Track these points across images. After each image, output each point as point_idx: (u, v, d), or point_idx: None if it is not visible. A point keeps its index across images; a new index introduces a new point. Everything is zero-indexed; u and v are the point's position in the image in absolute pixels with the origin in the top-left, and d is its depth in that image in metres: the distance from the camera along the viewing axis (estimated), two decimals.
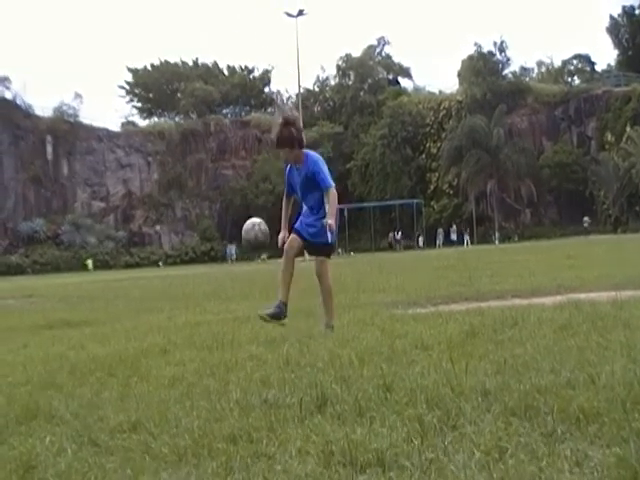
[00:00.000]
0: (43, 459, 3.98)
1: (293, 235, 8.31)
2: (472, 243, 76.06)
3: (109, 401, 5.34)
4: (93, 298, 20.94)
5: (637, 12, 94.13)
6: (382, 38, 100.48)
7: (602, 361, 4.83)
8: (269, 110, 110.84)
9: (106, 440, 4.25)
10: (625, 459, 3.03)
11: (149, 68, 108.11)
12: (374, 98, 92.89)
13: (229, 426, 4.18)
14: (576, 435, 3.45)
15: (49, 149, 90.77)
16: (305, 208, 8.41)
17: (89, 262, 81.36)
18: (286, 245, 8.28)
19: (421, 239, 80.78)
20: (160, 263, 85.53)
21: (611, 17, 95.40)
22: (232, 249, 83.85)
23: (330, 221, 8.02)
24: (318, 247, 8.35)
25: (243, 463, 3.55)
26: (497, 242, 72.87)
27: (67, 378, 6.57)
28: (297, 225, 8.38)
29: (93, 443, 4.22)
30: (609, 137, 79.72)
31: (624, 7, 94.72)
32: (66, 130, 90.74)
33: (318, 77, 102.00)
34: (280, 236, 8.43)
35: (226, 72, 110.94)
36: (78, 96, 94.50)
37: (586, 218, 74.57)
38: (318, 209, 8.26)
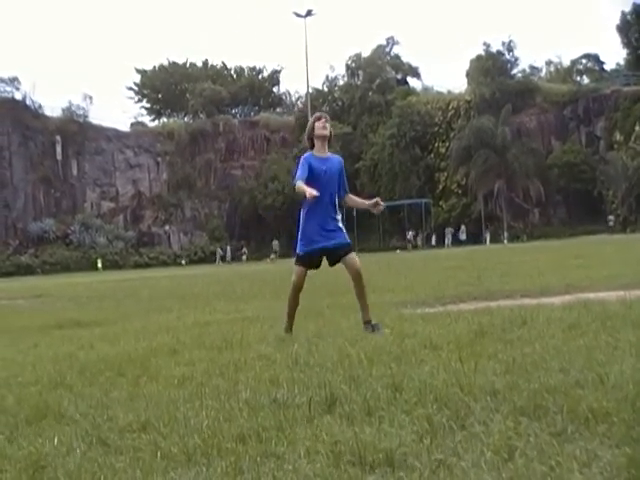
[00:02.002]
0: (53, 459, 3.99)
1: (302, 269, 8.36)
2: (491, 242, 75.75)
3: (118, 401, 5.35)
4: (102, 298, 20.99)
5: None
6: (391, 38, 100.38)
7: (611, 361, 4.82)
8: (278, 110, 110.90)
9: (115, 440, 4.26)
10: (635, 459, 3.03)
11: (157, 69, 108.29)
12: (383, 98, 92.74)
13: (238, 426, 4.19)
14: (585, 435, 3.45)
15: (58, 149, 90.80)
16: (317, 214, 8.22)
17: (99, 262, 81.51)
18: (297, 280, 8.34)
19: (433, 238, 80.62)
20: (183, 261, 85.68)
21: (623, 14, 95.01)
22: (226, 250, 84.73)
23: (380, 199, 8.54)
24: (347, 247, 8.28)
25: (252, 463, 3.56)
26: (506, 242, 72.68)
27: (77, 378, 6.58)
28: (316, 243, 8.25)
29: (102, 443, 4.24)
30: (618, 136, 79.52)
31: (634, 4, 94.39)
32: (75, 130, 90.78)
33: (327, 77, 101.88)
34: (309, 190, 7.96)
35: (234, 73, 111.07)
36: (87, 97, 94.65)
37: (611, 217, 74.23)
38: (333, 206, 8.28)
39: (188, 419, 4.49)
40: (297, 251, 8.40)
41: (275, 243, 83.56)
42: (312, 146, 8.41)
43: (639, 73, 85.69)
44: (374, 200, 8.52)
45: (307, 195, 7.82)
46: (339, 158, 8.56)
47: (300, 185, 7.98)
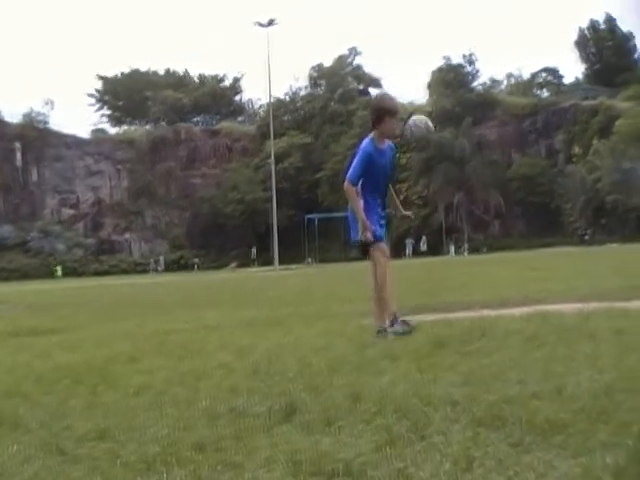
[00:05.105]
0: (9, 467, 3.95)
1: (385, 248, 7.97)
2: (448, 254, 76.03)
3: (76, 409, 5.31)
4: (61, 305, 20.80)
5: (602, 27, 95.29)
6: (353, 49, 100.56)
7: (568, 372, 4.87)
8: (239, 119, 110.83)
9: (73, 448, 4.22)
10: (591, 469, 3.06)
11: (119, 76, 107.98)
12: (344, 108, 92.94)
13: (197, 435, 4.18)
14: (543, 445, 3.48)
15: (18, 155, 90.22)
16: (372, 210, 7.87)
17: (58, 269, 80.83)
18: (385, 258, 7.93)
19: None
20: (159, 268, 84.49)
21: (580, 30, 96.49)
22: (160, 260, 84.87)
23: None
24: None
25: (211, 471, 3.55)
26: (466, 253, 73.02)
27: (33, 386, 6.52)
28: (380, 231, 7.95)
29: (60, 452, 4.20)
30: (576, 150, 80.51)
31: (591, 20, 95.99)
32: (35, 137, 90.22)
33: (291, 87, 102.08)
34: (369, 234, 7.73)
35: (197, 80, 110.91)
36: (49, 102, 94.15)
37: (589, 231, 74.58)
38: (383, 201, 8.02)
39: (147, 427, 4.47)
40: (370, 235, 7.77)
41: (253, 250, 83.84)
42: (374, 126, 7.97)
43: (597, 87, 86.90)
44: (408, 213, 8.50)
45: (363, 235, 7.65)
46: (392, 146, 8.17)
47: (355, 203, 7.72)
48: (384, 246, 7.97)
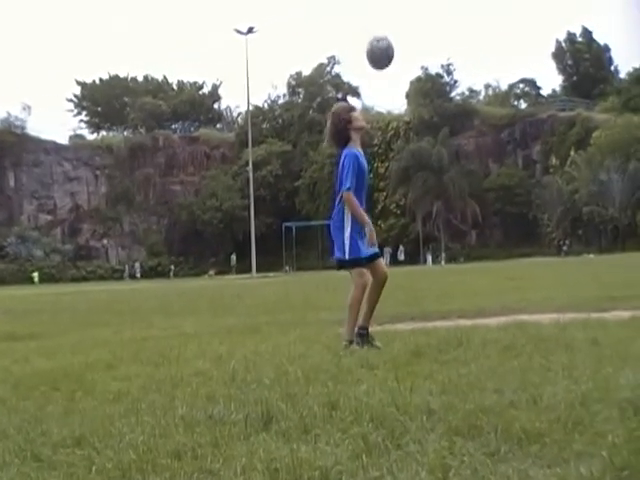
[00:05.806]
0: None
1: (365, 270, 7.69)
2: (425, 263, 76.10)
3: (53, 416, 5.29)
4: (39, 311, 20.71)
5: (579, 39, 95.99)
6: (332, 57, 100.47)
7: (544, 382, 4.89)
8: (218, 126, 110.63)
9: (49, 455, 4.21)
10: (566, 479, 3.08)
11: (98, 82, 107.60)
12: (323, 117, 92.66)
13: (174, 442, 4.17)
14: (518, 455, 3.50)
15: None
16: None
17: (35, 275, 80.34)
18: (367, 278, 7.66)
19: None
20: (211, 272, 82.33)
21: (557, 42, 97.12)
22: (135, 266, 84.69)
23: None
24: (379, 254, 7.96)
25: (188, 479, 3.55)
26: (443, 263, 73.16)
27: (11, 392, 6.50)
28: (364, 250, 7.71)
29: (36, 458, 4.18)
30: (554, 161, 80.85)
31: (568, 33, 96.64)
32: (13, 142, 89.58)
33: (269, 95, 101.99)
34: (374, 240, 7.69)
35: (176, 87, 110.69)
36: (26, 107, 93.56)
37: (567, 242, 74.82)
38: (365, 208, 7.90)
39: (123, 434, 4.45)
40: (356, 255, 7.67)
41: (233, 257, 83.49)
42: (343, 141, 7.84)
43: (575, 99, 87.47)
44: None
45: (367, 230, 7.59)
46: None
47: (359, 210, 7.65)
48: (365, 271, 7.72)
